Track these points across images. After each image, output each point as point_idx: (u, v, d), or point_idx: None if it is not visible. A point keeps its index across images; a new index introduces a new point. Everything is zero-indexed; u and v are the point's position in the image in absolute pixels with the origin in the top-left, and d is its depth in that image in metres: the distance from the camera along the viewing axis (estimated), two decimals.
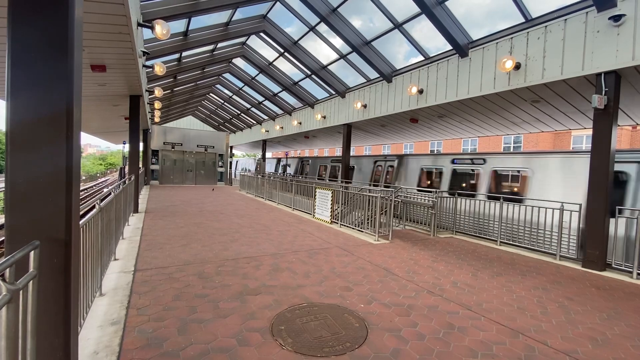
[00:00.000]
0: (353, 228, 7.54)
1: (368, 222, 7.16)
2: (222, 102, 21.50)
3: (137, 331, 2.69)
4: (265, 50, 12.97)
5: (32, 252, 1.52)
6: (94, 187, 31.63)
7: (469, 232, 7.67)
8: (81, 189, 24.86)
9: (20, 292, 1.36)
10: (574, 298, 3.87)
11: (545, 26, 6.08)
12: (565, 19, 5.80)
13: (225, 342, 2.56)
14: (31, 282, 1.49)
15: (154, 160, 19.18)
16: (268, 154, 30.25)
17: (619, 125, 8.25)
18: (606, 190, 5.12)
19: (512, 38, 6.64)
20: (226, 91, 19.22)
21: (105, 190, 26.42)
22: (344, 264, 4.83)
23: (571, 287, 4.29)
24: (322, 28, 9.92)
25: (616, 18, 5.05)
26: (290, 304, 3.31)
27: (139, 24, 5.52)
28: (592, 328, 3.10)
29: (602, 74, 5.26)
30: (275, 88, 15.61)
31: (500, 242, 6.70)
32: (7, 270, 1.25)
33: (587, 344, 2.79)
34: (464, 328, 2.97)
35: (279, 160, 26.01)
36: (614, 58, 5.14)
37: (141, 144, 14.79)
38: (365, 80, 11.20)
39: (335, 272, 4.43)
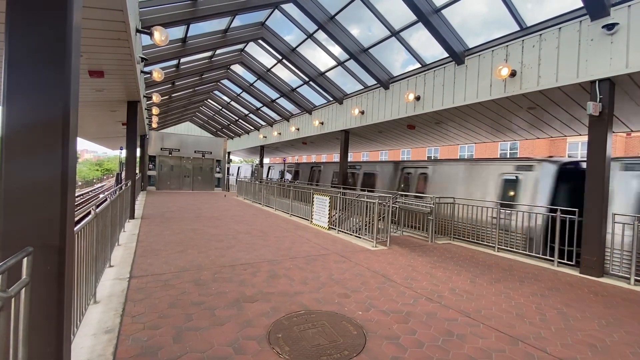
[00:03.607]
0: (351, 234, 7.51)
1: (366, 228, 7.14)
2: (220, 108, 21.55)
3: (131, 339, 2.64)
4: (264, 57, 13.07)
5: (25, 259, 1.50)
6: (90, 193, 31.42)
7: (466, 239, 7.66)
8: (77, 194, 24.69)
9: (13, 299, 1.33)
10: (573, 304, 3.86)
11: (540, 34, 6.17)
12: (560, 28, 5.89)
13: (222, 351, 2.52)
14: (24, 289, 1.47)
15: (151, 166, 19.11)
16: (266, 160, 30.34)
17: (613, 132, 8.36)
18: (603, 196, 5.15)
19: (507, 46, 6.73)
20: (224, 97, 19.29)
21: (101, 196, 26.27)
22: (342, 270, 4.80)
23: (569, 293, 4.28)
24: (321, 36, 10.02)
25: (609, 27, 5.14)
26: (288, 312, 3.27)
27: (137, 30, 5.54)
28: (591, 335, 3.09)
29: (597, 82, 5.33)
30: (273, 94, 15.69)
31: (498, 248, 6.69)
32: None
33: (587, 351, 2.77)
34: (462, 335, 2.94)
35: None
36: (608, 66, 5.22)
37: (138, 150, 14.77)
38: (363, 87, 11.28)
39: (333, 278, 4.39)
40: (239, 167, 33.42)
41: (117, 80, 6.91)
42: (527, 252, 6.34)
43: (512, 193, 8.16)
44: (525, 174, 8.08)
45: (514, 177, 8.24)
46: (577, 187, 6.63)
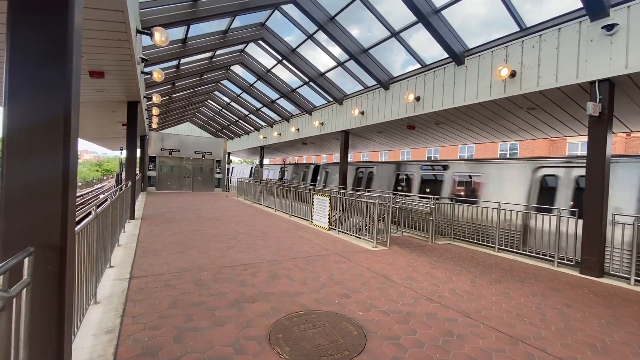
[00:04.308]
0: (351, 234, 7.52)
1: (366, 229, 7.14)
2: (220, 108, 21.56)
3: (132, 340, 2.64)
4: (264, 58, 13.09)
5: (27, 259, 1.50)
6: (90, 194, 31.41)
7: (467, 239, 7.67)
8: (77, 195, 24.68)
9: (14, 299, 1.33)
10: (573, 305, 3.87)
11: (540, 35, 6.18)
12: (559, 28, 5.90)
13: (222, 351, 2.52)
14: (25, 289, 1.47)
15: (151, 166, 19.11)
16: (266, 161, 30.43)
17: (613, 133, 8.37)
18: (603, 196, 5.15)
19: (507, 46, 6.74)
20: (224, 98, 19.30)
21: (101, 196, 26.26)
22: (342, 270, 4.80)
23: (569, 293, 4.28)
24: (321, 37, 10.03)
25: (609, 27, 5.15)
26: (288, 312, 3.27)
27: (138, 31, 5.55)
28: (591, 335, 3.09)
29: (597, 82, 5.33)
30: (273, 95, 15.70)
31: (499, 248, 6.69)
32: (1, 277, 1.23)
33: (587, 351, 2.77)
34: (463, 335, 2.95)
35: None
36: (608, 66, 5.23)
37: (138, 150, 14.77)
38: (363, 88, 11.29)
39: (334, 279, 4.40)
40: (236, 167, 33.65)
41: (117, 81, 6.92)
42: (527, 253, 6.34)
43: (309, 178, 19.13)
44: (309, 169, 19.48)
45: (308, 170, 19.66)
46: (327, 174, 16.71)
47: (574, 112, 7.53)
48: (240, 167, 32.36)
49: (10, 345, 1.32)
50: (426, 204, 7.97)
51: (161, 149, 19.27)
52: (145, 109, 12.83)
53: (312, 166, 19.36)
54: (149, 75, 8.00)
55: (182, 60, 11.59)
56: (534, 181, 8.05)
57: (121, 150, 24.34)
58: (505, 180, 8.69)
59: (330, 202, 8.12)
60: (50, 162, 1.71)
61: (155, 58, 9.22)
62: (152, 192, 17.86)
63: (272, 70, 13.48)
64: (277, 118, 18.30)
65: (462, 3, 6.75)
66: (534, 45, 6.27)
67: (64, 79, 1.73)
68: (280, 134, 18.29)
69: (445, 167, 10.45)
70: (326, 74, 11.81)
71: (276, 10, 9.72)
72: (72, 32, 1.76)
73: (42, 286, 1.66)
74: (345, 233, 7.70)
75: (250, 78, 15.22)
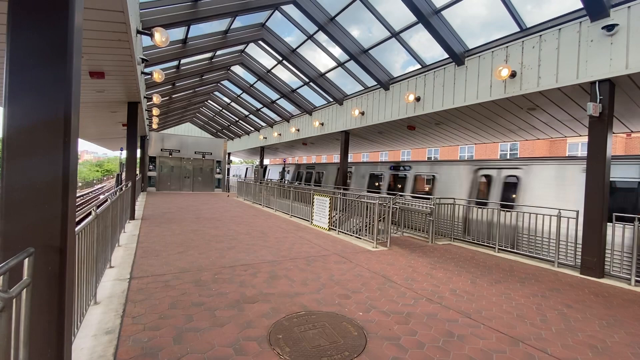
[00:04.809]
0: (351, 235, 7.51)
1: (366, 229, 7.14)
2: (221, 109, 21.57)
3: (132, 340, 2.64)
4: (264, 58, 13.09)
5: (27, 260, 1.50)
6: (90, 194, 31.40)
7: (467, 239, 7.66)
8: (77, 195, 24.71)
9: (14, 300, 1.33)
10: (573, 305, 3.86)
11: (540, 35, 6.18)
12: (560, 29, 5.90)
13: (222, 352, 2.52)
14: (25, 290, 1.47)
15: (151, 166, 19.11)
16: (266, 161, 30.52)
17: (614, 133, 8.36)
18: (603, 197, 5.15)
19: (507, 47, 6.74)
20: (224, 98, 19.30)
21: (101, 196, 26.22)
22: (342, 271, 4.80)
23: (570, 294, 4.28)
24: (321, 37, 10.04)
25: (609, 28, 5.15)
26: (288, 312, 3.27)
27: (138, 32, 5.55)
28: (591, 336, 3.08)
29: (597, 82, 5.33)
30: (274, 95, 15.70)
31: (499, 249, 6.69)
32: (1, 277, 1.23)
33: (587, 352, 2.77)
34: (463, 336, 2.94)
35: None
36: (608, 67, 5.22)
37: (138, 151, 14.77)
38: (363, 88, 11.29)
39: (334, 279, 4.39)
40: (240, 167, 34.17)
41: (117, 81, 6.92)
42: (528, 253, 6.34)
43: (260, 175, 21.79)
44: (262, 169, 23.90)
45: (261, 169, 23.22)
46: (270, 172, 27.33)
47: (574, 113, 7.53)
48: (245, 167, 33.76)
49: (10, 345, 1.32)
50: (426, 204, 7.97)
51: (161, 150, 19.27)
52: (146, 110, 12.83)
53: (264, 166, 26.55)
54: (149, 76, 8.00)
55: (183, 61, 11.59)
56: (370, 176, 14.05)
57: (121, 150, 24.37)
58: (359, 176, 14.70)
59: (330, 203, 8.12)
60: (50, 162, 1.70)
61: (155, 58, 9.23)
62: (152, 193, 17.86)
63: (272, 70, 13.48)
64: (277, 118, 18.30)
65: (462, 3, 6.76)
66: (534, 45, 6.27)
67: (64, 79, 1.73)
68: (280, 135, 18.29)
69: (285, 167, 22.38)
70: (326, 75, 11.81)
71: (276, 11, 9.73)
72: (72, 32, 1.76)
73: (42, 287, 1.65)
74: (346, 233, 7.70)
75: (250, 78, 15.23)
